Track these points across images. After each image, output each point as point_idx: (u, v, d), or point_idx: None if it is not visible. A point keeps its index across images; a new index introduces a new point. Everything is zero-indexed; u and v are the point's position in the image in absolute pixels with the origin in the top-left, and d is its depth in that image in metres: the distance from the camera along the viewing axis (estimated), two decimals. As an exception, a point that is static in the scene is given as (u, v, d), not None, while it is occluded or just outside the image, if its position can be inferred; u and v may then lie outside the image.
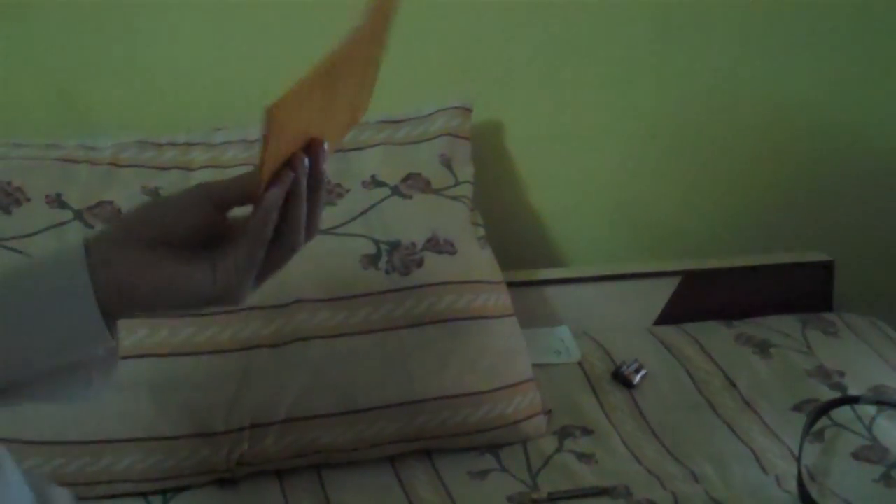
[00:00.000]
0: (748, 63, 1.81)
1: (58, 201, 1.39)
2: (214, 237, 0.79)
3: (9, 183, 1.39)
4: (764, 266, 1.87)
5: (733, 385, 1.60)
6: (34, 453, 1.27)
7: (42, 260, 0.78)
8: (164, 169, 1.46)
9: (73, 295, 0.74)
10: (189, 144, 1.50)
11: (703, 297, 1.83)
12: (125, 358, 1.30)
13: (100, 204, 1.40)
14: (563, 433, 1.48)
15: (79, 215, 1.39)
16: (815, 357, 1.67)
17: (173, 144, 1.50)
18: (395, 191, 1.51)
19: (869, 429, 1.49)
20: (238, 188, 0.79)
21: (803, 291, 1.87)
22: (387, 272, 1.43)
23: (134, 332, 1.32)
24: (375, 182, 1.51)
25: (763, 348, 1.69)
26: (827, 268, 1.88)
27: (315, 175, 0.78)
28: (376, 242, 1.45)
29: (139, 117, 1.60)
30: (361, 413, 1.37)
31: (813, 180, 1.92)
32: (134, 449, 1.30)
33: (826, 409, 1.52)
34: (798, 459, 1.39)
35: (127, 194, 1.42)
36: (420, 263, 1.45)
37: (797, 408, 1.54)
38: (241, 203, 0.79)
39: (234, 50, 1.61)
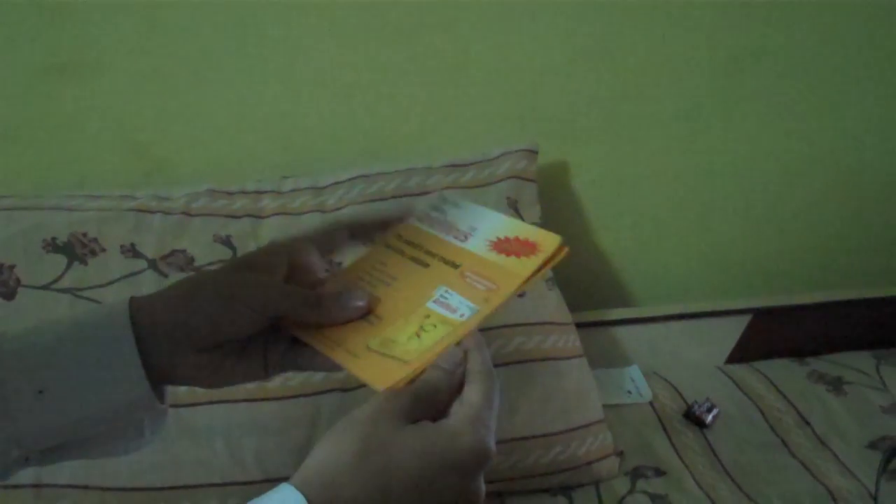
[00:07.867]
0: (814, 99, 1.80)
1: (132, 251, 1.41)
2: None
3: (84, 234, 1.41)
4: (836, 302, 1.85)
5: (807, 423, 1.58)
6: (111, 500, 1.28)
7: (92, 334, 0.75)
8: (235, 217, 1.47)
9: (121, 367, 0.73)
10: (259, 193, 1.52)
11: (774, 335, 1.82)
12: (201, 404, 1.32)
13: (173, 253, 1.42)
14: (636, 474, 1.47)
15: (153, 264, 1.40)
16: (889, 393, 1.65)
17: (244, 193, 1.52)
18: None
19: (948, 466, 1.47)
20: (308, 309, 0.80)
21: (877, 327, 1.85)
22: (455, 314, 1.44)
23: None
24: (443, 225, 1.52)
25: (836, 385, 1.67)
26: (901, 303, 1.86)
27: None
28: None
29: (210, 167, 1.63)
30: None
31: (885, 213, 1.91)
32: (210, 495, 1.31)
33: (903, 446, 1.50)
34: (874, 498, 1.37)
35: (200, 243, 1.44)
36: (488, 306, 1.45)
37: (872, 445, 1.53)
38: (310, 324, 0.81)
39: (302, 100, 1.63)
